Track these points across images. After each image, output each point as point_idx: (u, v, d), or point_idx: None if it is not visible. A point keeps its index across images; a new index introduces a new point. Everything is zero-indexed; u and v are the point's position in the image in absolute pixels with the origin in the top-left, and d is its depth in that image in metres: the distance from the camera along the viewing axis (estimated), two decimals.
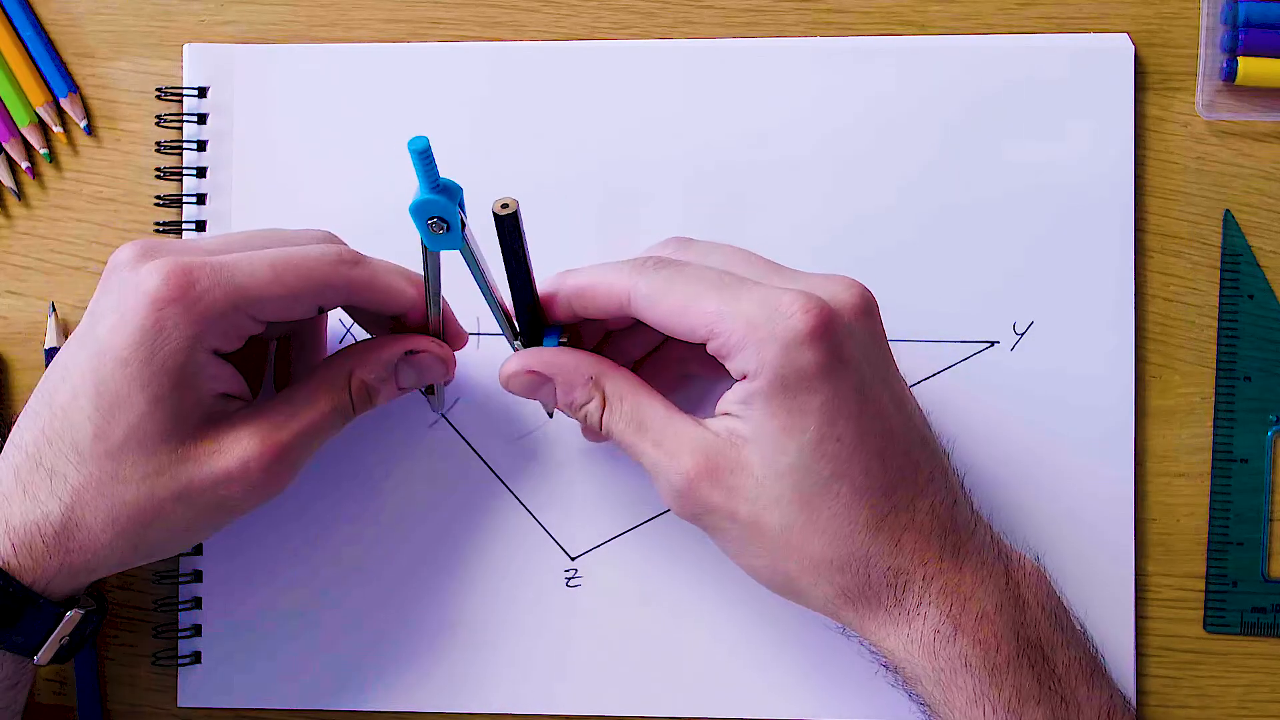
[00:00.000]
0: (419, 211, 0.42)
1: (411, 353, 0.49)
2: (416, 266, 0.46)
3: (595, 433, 0.48)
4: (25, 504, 0.45)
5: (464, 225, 0.42)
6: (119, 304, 0.45)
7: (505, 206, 0.42)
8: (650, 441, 0.46)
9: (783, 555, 0.45)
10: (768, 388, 0.44)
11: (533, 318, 0.48)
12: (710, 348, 0.45)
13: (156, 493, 0.45)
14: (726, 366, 0.45)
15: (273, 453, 0.46)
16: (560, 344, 0.48)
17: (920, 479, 0.46)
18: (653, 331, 0.48)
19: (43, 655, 0.47)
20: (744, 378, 0.45)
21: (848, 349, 0.44)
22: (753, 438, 0.45)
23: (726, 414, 0.46)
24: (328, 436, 0.48)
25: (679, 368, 0.51)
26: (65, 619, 0.47)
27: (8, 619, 0.45)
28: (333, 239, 0.50)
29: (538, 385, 0.48)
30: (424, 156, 0.40)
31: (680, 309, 0.45)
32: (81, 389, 0.45)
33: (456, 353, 0.50)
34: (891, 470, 0.45)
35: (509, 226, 0.43)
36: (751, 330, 0.44)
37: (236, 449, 0.46)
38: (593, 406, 0.47)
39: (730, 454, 0.45)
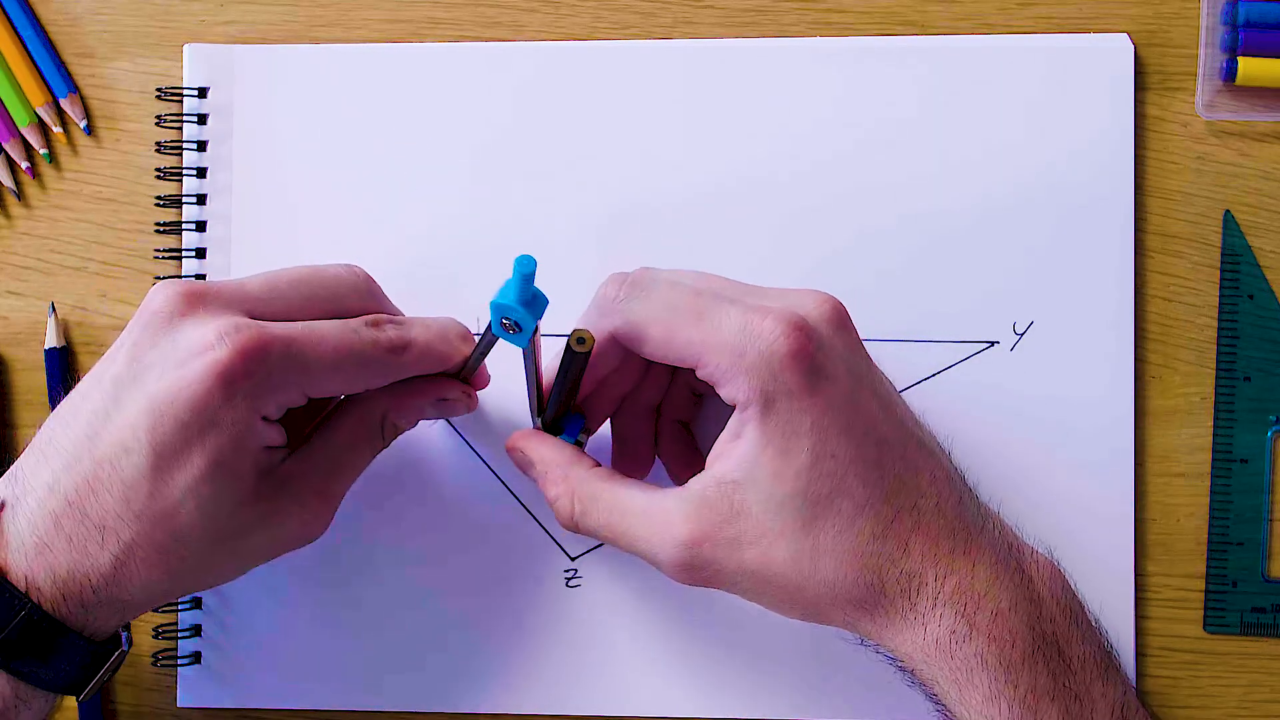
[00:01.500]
0: (498, 310, 0.42)
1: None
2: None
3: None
4: (72, 555, 0.44)
5: (536, 331, 0.43)
6: (180, 361, 0.44)
7: (581, 342, 0.43)
8: (638, 524, 0.46)
9: (797, 586, 0.45)
10: (758, 415, 0.44)
11: (557, 414, 0.49)
12: (700, 374, 0.45)
13: (214, 552, 0.46)
14: (718, 392, 0.45)
15: (325, 507, 0.48)
16: (576, 441, 0.50)
17: (921, 480, 0.46)
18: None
19: (87, 693, 0.46)
20: (734, 405, 0.45)
21: (830, 364, 0.44)
22: (746, 478, 0.45)
23: (719, 457, 0.46)
24: (362, 471, 0.50)
25: (689, 388, 0.51)
26: (112, 659, 0.46)
27: (49, 658, 0.45)
28: (368, 282, 0.49)
29: (526, 467, 0.50)
30: (527, 278, 0.41)
31: (664, 340, 0.45)
32: (134, 446, 0.44)
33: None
34: (890, 476, 0.45)
35: (579, 362, 0.44)
36: (737, 359, 0.44)
37: (293, 509, 0.47)
38: (563, 504, 0.48)
39: (724, 505, 0.45)
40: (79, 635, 0.45)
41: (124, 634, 0.48)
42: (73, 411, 0.45)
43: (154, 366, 0.44)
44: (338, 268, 0.49)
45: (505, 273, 0.43)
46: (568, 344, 0.43)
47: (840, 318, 0.46)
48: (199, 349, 0.44)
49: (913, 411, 0.48)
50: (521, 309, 0.42)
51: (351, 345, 0.46)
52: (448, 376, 0.50)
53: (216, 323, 0.44)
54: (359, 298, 0.49)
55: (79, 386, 0.46)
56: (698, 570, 0.46)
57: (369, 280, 0.49)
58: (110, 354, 0.46)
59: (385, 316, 0.48)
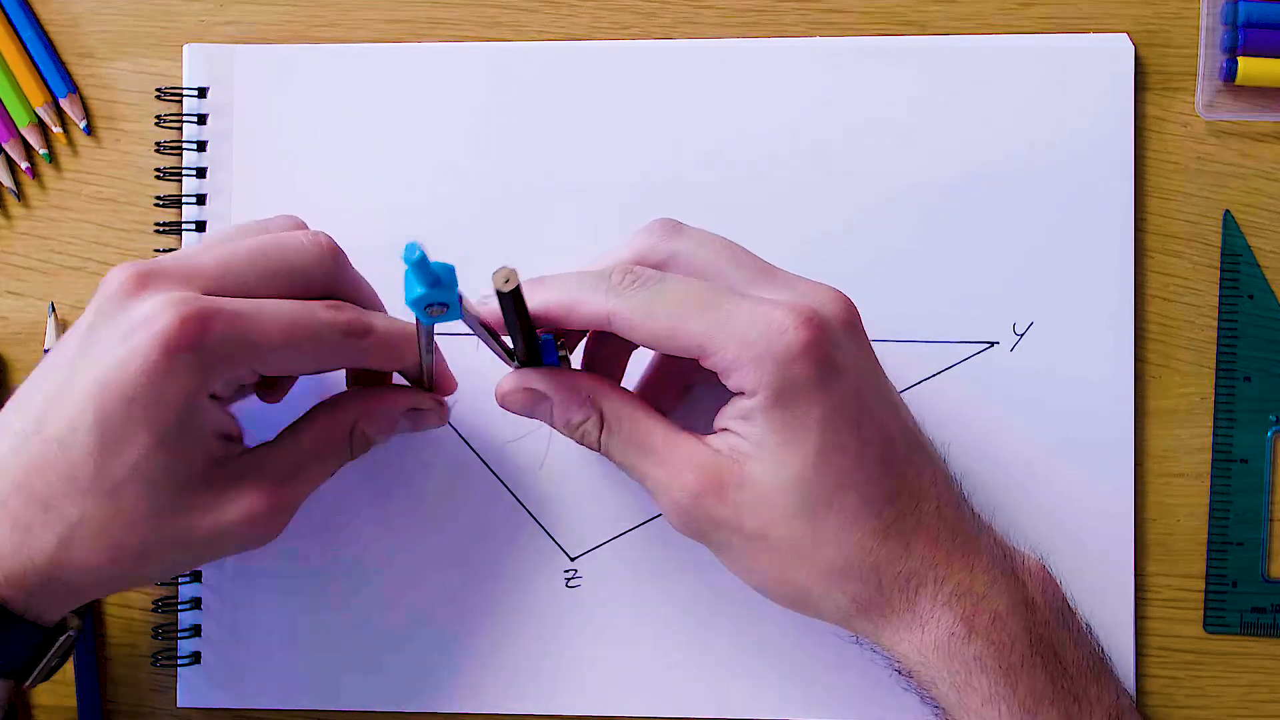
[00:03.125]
0: (418, 305, 0.41)
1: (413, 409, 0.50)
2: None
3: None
4: (15, 538, 0.44)
5: (461, 299, 0.42)
6: (125, 336, 0.43)
7: (507, 282, 0.41)
8: (651, 461, 0.46)
9: (792, 567, 0.45)
10: (767, 404, 0.44)
11: (530, 351, 0.47)
12: (706, 364, 0.45)
13: (159, 535, 0.45)
14: (724, 382, 0.45)
15: (278, 507, 0.46)
16: (560, 356, 0.48)
17: (923, 483, 0.46)
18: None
19: (33, 680, 0.46)
20: (742, 393, 0.45)
21: (841, 359, 0.44)
22: (755, 453, 0.45)
23: (726, 429, 0.46)
24: (325, 480, 0.49)
25: (680, 379, 0.51)
26: (58, 644, 0.46)
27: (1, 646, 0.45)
28: (334, 253, 0.48)
29: (535, 403, 0.48)
30: (419, 265, 0.39)
31: (667, 331, 0.44)
32: (80, 422, 0.43)
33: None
34: (894, 475, 0.45)
35: (514, 303, 0.43)
36: (746, 348, 0.44)
37: (242, 501, 0.46)
38: (590, 427, 0.47)
39: (734, 470, 0.45)
40: (24, 620, 0.44)
41: (80, 620, 0.47)
42: (27, 396, 0.45)
43: (103, 343, 0.44)
44: (300, 239, 0.48)
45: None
46: (496, 291, 0.41)
47: (852, 316, 0.46)
48: (144, 321, 0.43)
49: (914, 417, 0.48)
50: (435, 291, 0.40)
51: (308, 323, 0.45)
52: (417, 387, 0.50)
53: (164, 296, 0.44)
54: (323, 272, 0.47)
55: (35, 373, 0.46)
56: (696, 522, 0.46)
57: (335, 252, 0.48)
58: (64, 339, 0.46)
59: (347, 305, 0.47)
